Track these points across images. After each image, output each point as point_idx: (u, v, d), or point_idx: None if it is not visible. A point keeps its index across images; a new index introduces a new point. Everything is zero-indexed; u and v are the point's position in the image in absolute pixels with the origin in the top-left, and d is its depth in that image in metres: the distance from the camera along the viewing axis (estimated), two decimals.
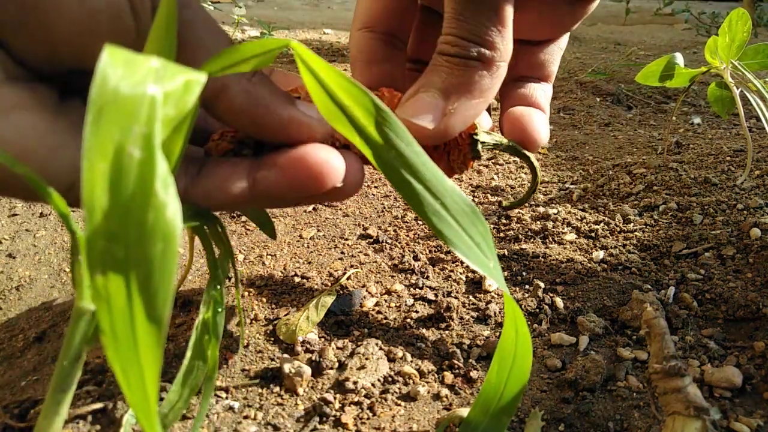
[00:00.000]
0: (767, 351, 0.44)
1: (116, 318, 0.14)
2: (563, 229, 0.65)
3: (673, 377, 0.33)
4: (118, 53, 0.15)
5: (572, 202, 0.75)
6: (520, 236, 0.65)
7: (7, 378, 0.46)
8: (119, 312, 0.14)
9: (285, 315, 0.52)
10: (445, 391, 0.43)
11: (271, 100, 0.26)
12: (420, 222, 0.70)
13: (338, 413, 0.41)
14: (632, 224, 0.66)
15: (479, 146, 0.32)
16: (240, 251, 0.65)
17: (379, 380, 0.44)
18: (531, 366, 0.29)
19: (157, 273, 0.14)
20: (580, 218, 0.67)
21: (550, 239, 0.64)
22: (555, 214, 0.68)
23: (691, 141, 0.97)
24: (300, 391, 0.43)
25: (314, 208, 0.76)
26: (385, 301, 0.54)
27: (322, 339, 0.49)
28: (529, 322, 0.52)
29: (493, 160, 0.93)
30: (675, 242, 0.60)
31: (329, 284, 0.57)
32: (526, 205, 0.74)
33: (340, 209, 0.76)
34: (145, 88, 0.15)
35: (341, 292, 0.55)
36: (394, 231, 0.69)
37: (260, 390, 0.44)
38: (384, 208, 0.76)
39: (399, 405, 0.42)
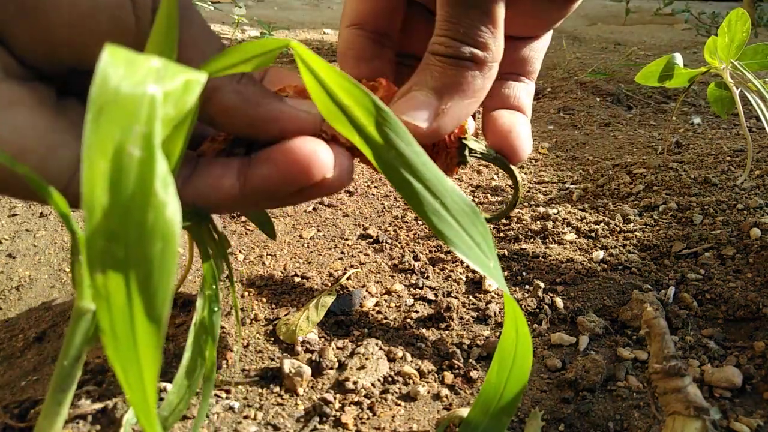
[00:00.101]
0: (767, 351, 0.44)
1: (116, 317, 0.14)
2: (563, 229, 0.65)
3: (673, 377, 0.33)
4: (118, 53, 0.15)
5: (572, 202, 0.75)
6: (520, 236, 0.65)
7: (7, 378, 0.46)
8: (119, 311, 0.14)
9: (285, 315, 0.52)
10: (445, 391, 0.43)
11: (262, 98, 0.27)
12: (420, 222, 0.70)
13: (338, 413, 0.41)
14: (632, 224, 0.66)
15: (466, 152, 0.33)
16: (240, 251, 0.65)
17: (379, 380, 0.44)
18: (531, 366, 0.29)
19: (157, 272, 0.14)
20: (580, 218, 0.67)
21: (550, 239, 0.64)
22: (555, 214, 0.68)
23: (691, 141, 0.97)
24: (300, 391, 0.43)
25: (314, 208, 0.76)
26: (385, 301, 0.54)
27: (322, 339, 0.49)
28: (529, 322, 0.52)
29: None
30: (675, 242, 0.60)
31: (329, 284, 0.57)
32: (526, 205, 0.74)
33: (340, 209, 0.76)
34: (145, 87, 0.15)
35: (341, 292, 0.55)
36: (394, 231, 0.69)
37: (260, 390, 0.44)
38: (384, 208, 0.76)
39: (399, 405, 0.42)
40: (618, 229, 0.65)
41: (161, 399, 0.41)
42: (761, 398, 0.41)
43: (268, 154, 0.27)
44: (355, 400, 0.42)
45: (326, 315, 0.51)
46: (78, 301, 0.24)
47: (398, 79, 0.35)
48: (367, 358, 0.45)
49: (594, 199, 0.75)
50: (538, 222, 0.67)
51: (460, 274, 0.58)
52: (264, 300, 0.55)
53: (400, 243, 0.66)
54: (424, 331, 0.50)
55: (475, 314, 0.52)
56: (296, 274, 0.59)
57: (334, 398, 0.42)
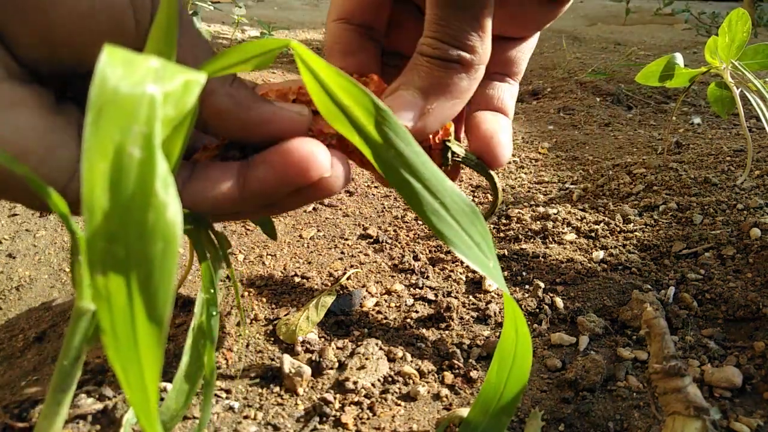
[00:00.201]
0: (767, 351, 0.44)
1: (117, 317, 0.14)
2: (563, 229, 0.65)
3: (673, 377, 0.33)
4: (117, 53, 0.15)
5: (572, 202, 0.75)
6: (520, 236, 0.65)
7: (7, 378, 0.46)
8: (120, 311, 0.14)
9: (285, 315, 0.52)
10: (445, 391, 0.43)
11: (253, 101, 0.28)
12: (420, 222, 0.70)
13: (338, 413, 0.41)
14: (632, 224, 0.66)
15: (449, 154, 0.33)
16: (240, 251, 0.65)
17: (379, 380, 0.44)
18: (531, 366, 0.29)
19: (158, 273, 0.14)
20: (580, 218, 0.67)
21: (550, 239, 0.64)
22: (555, 214, 0.68)
23: (691, 141, 0.97)
24: (300, 391, 0.43)
25: (314, 208, 0.76)
26: (385, 301, 0.54)
27: (322, 339, 0.49)
28: (529, 322, 0.52)
29: None
30: (675, 242, 0.60)
31: (329, 284, 0.57)
32: (526, 205, 0.74)
33: (340, 209, 0.76)
34: (144, 88, 0.15)
35: (341, 292, 0.55)
36: (394, 231, 0.69)
37: (260, 390, 0.44)
38: (384, 208, 0.76)
39: (399, 405, 0.42)
40: (618, 229, 0.65)
41: (161, 399, 0.41)
42: (761, 398, 0.41)
43: (265, 156, 0.28)
44: (355, 400, 0.42)
45: (326, 315, 0.51)
46: (78, 301, 0.24)
47: (384, 74, 0.35)
48: (367, 358, 0.45)
49: (594, 199, 0.75)
50: (538, 222, 0.67)
51: (460, 274, 0.58)
52: (264, 300, 0.55)
53: (400, 243, 0.66)
54: (424, 331, 0.50)
55: (475, 314, 0.52)
56: (296, 274, 0.59)
57: (334, 398, 0.42)
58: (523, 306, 0.53)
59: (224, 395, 0.43)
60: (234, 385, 0.44)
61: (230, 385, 0.44)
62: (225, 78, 0.27)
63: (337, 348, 0.48)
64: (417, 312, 0.53)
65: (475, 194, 0.81)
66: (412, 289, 0.56)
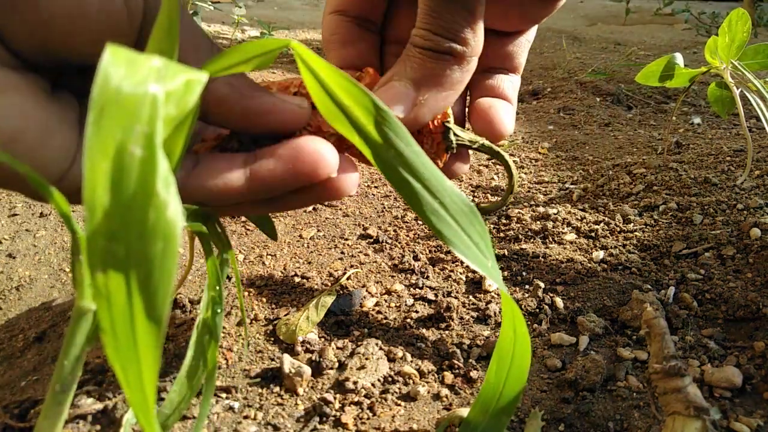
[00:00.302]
0: (767, 351, 0.45)
1: (116, 316, 0.14)
2: (563, 229, 0.65)
3: (673, 377, 0.33)
4: (120, 53, 0.15)
5: (572, 202, 0.75)
6: (520, 236, 0.65)
7: (7, 378, 0.46)
8: (119, 310, 0.14)
9: (285, 315, 0.52)
10: (445, 391, 0.43)
11: (254, 91, 0.28)
12: (420, 222, 0.70)
13: (338, 413, 0.41)
14: (632, 224, 0.66)
15: (451, 135, 0.33)
16: (240, 251, 0.65)
17: (379, 380, 0.44)
18: (530, 366, 0.29)
19: (158, 272, 0.14)
20: (580, 218, 0.67)
21: (550, 239, 0.64)
22: (555, 214, 0.68)
23: (691, 141, 0.97)
24: (300, 391, 0.43)
25: (314, 209, 0.76)
26: (385, 301, 0.54)
27: (322, 339, 0.49)
28: (529, 322, 0.52)
29: (492, 161, 0.93)
30: (675, 242, 0.61)
31: (329, 284, 0.57)
32: (526, 205, 0.74)
33: (340, 209, 0.76)
34: (146, 87, 0.15)
35: (341, 292, 0.55)
36: (394, 231, 0.69)
37: (260, 390, 0.44)
38: (384, 208, 0.76)
39: (399, 405, 0.42)
40: (618, 229, 0.65)
41: (161, 399, 0.41)
42: (761, 398, 0.41)
43: (275, 149, 0.28)
44: (355, 400, 0.42)
45: (326, 315, 0.51)
46: (78, 300, 0.24)
47: (385, 64, 0.36)
48: (367, 358, 0.45)
49: (594, 199, 0.75)
50: (538, 222, 0.67)
51: (460, 274, 0.58)
52: (264, 300, 0.55)
53: (400, 243, 0.66)
54: (424, 331, 0.50)
55: (475, 314, 0.52)
56: (296, 274, 0.59)
57: (334, 398, 0.42)
58: (523, 306, 0.53)
59: (224, 395, 0.43)
60: (234, 385, 0.44)
61: (230, 385, 0.44)
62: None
63: (337, 348, 0.48)
64: (417, 312, 0.53)
65: (475, 194, 0.81)
66: (412, 289, 0.56)
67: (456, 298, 0.54)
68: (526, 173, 0.89)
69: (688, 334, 0.48)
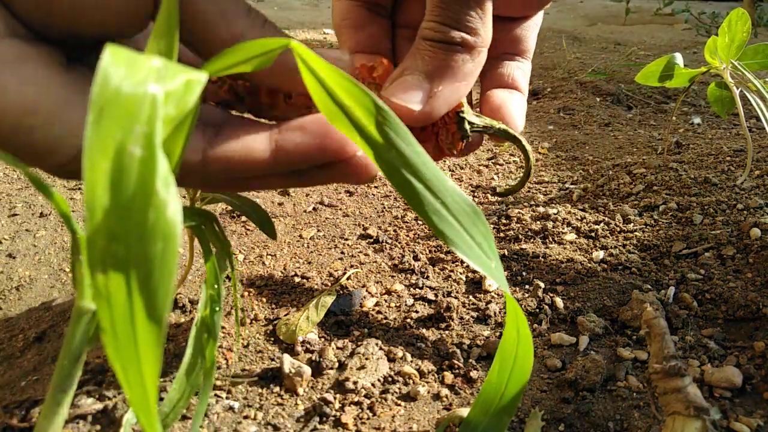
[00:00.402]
0: (767, 351, 0.45)
1: (117, 316, 0.14)
2: (563, 229, 0.65)
3: (673, 377, 0.33)
4: (120, 53, 0.15)
5: (572, 202, 0.75)
6: (520, 236, 0.65)
7: (7, 378, 0.46)
8: (120, 310, 0.14)
9: (285, 315, 0.52)
10: (445, 391, 0.43)
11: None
12: (420, 222, 0.70)
13: (338, 413, 0.41)
14: (632, 224, 0.66)
15: (466, 125, 0.33)
16: (240, 251, 0.65)
17: (379, 380, 0.44)
18: (532, 366, 0.29)
19: (158, 272, 0.14)
20: (580, 218, 0.67)
21: (550, 239, 0.64)
22: (555, 214, 0.68)
23: (691, 141, 0.97)
24: (300, 391, 0.43)
25: (314, 208, 0.76)
26: (385, 301, 0.54)
27: (322, 339, 0.49)
28: (529, 322, 0.52)
29: (493, 160, 0.93)
30: (675, 242, 0.61)
31: (329, 284, 0.57)
32: (526, 205, 0.74)
33: (340, 209, 0.76)
34: (146, 87, 0.15)
35: (341, 292, 0.55)
36: (394, 231, 0.69)
37: (260, 390, 0.44)
38: (384, 208, 0.76)
39: (399, 405, 0.42)
40: (618, 229, 0.65)
41: (161, 399, 0.41)
42: (761, 398, 0.41)
43: (302, 122, 0.27)
44: (355, 400, 0.42)
45: (326, 315, 0.51)
46: (78, 300, 0.24)
47: (398, 48, 0.35)
48: (367, 358, 0.45)
49: (594, 199, 0.75)
50: (538, 222, 0.67)
51: (460, 274, 0.58)
52: (264, 300, 0.55)
53: (400, 243, 0.66)
54: (424, 331, 0.50)
55: (475, 314, 0.52)
56: (296, 274, 0.59)
57: (334, 398, 0.42)
58: (523, 306, 0.53)
59: (224, 395, 0.43)
60: (234, 385, 0.44)
61: (230, 385, 0.44)
62: (255, 21, 0.26)
63: (337, 348, 0.48)
64: (417, 312, 0.53)
65: (475, 194, 0.81)
66: (412, 289, 0.56)
67: (456, 298, 0.54)
68: None
69: (688, 334, 0.48)
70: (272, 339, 0.49)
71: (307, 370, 0.44)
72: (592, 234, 0.64)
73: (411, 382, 0.44)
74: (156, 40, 0.19)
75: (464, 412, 0.39)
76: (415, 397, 0.43)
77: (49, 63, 0.24)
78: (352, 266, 0.61)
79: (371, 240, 0.67)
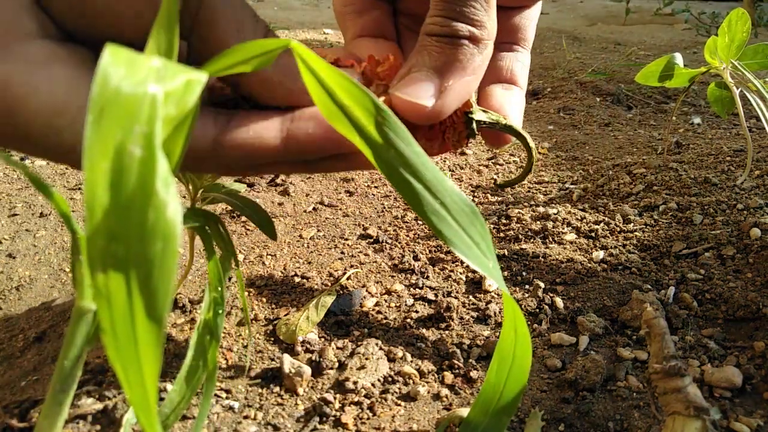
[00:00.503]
0: (767, 351, 0.45)
1: (117, 316, 0.14)
2: (563, 229, 0.65)
3: (673, 377, 0.33)
4: (120, 53, 0.15)
5: (572, 202, 0.75)
6: (520, 236, 0.65)
7: (7, 378, 0.46)
8: (120, 310, 0.14)
9: (285, 315, 0.52)
10: (445, 391, 0.43)
11: (297, 69, 0.28)
12: (420, 222, 0.70)
13: (338, 413, 0.41)
14: (632, 224, 0.66)
15: (474, 125, 0.32)
16: (240, 251, 0.65)
17: (379, 380, 0.44)
18: (531, 366, 0.29)
19: (158, 272, 0.14)
20: (580, 218, 0.67)
21: (550, 239, 0.64)
22: (555, 214, 0.68)
23: (691, 141, 0.97)
24: (300, 391, 0.43)
25: (314, 208, 0.76)
26: (385, 301, 0.54)
27: (322, 339, 0.49)
28: (529, 322, 0.52)
29: (493, 160, 0.93)
30: (675, 242, 0.61)
31: (329, 284, 0.57)
32: (526, 205, 0.74)
33: (340, 209, 0.76)
34: (146, 87, 0.15)
35: (341, 292, 0.55)
36: (394, 231, 0.69)
37: (260, 390, 0.44)
38: (384, 208, 0.76)
39: (399, 405, 0.42)
40: (618, 229, 0.65)
41: (161, 399, 0.41)
42: (761, 398, 0.41)
43: (315, 112, 0.27)
44: (355, 400, 0.42)
45: (326, 315, 0.51)
46: (78, 300, 0.24)
47: (400, 36, 0.35)
48: (367, 358, 0.45)
49: (594, 199, 0.75)
50: (538, 222, 0.67)
51: (460, 274, 0.58)
52: (264, 300, 0.55)
53: (400, 243, 0.66)
54: (424, 331, 0.50)
55: (475, 314, 0.52)
56: (296, 274, 0.59)
57: (334, 398, 0.42)
58: (523, 306, 0.53)
59: (224, 395, 0.43)
60: (234, 385, 0.44)
61: (230, 385, 0.44)
62: (258, 32, 0.26)
63: (337, 348, 0.48)
64: (417, 312, 0.53)
65: (475, 194, 0.81)
66: (412, 289, 0.56)
67: (456, 298, 0.54)
68: None
69: (688, 334, 0.48)
70: (272, 339, 0.49)
71: (307, 370, 0.44)
72: (592, 234, 0.64)
73: (411, 382, 0.44)
74: (156, 39, 0.19)
75: (464, 412, 0.39)
76: (415, 397, 0.43)
77: (79, 64, 0.24)
78: (352, 266, 0.61)
79: (371, 240, 0.67)
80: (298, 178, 0.85)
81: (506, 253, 0.62)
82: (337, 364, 0.46)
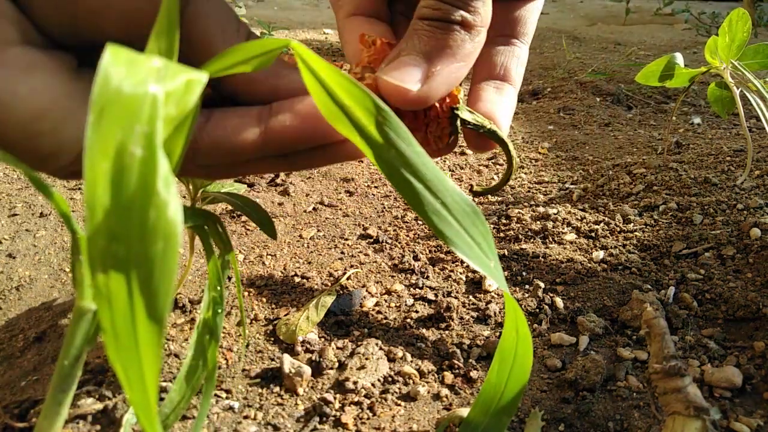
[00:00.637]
0: (767, 351, 0.45)
1: (117, 317, 0.14)
2: (563, 229, 0.65)
3: (673, 377, 0.33)
4: (120, 53, 0.15)
5: (572, 202, 0.75)
6: (520, 236, 0.65)
7: (7, 378, 0.46)
8: (120, 311, 0.14)
9: (285, 315, 0.52)
10: (445, 391, 0.43)
11: (282, 69, 0.28)
12: (420, 222, 0.70)
13: (338, 413, 0.41)
14: (632, 224, 0.66)
15: (458, 121, 0.32)
16: (240, 251, 0.65)
17: (379, 380, 0.44)
18: (531, 366, 0.29)
19: (158, 272, 0.14)
20: (580, 218, 0.67)
21: (550, 239, 0.64)
22: (555, 214, 0.68)
23: (691, 141, 0.97)
24: (300, 391, 0.43)
25: (314, 208, 0.76)
26: (385, 301, 0.54)
27: (322, 339, 0.49)
28: (529, 322, 0.52)
29: (493, 160, 0.93)
30: (675, 242, 0.61)
31: (329, 284, 0.57)
32: (526, 205, 0.74)
33: (340, 209, 0.76)
34: (146, 87, 0.15)
35: (341, 292, 0.55)
36: (394, 231, 0.69)
37: (260, 390, 0.44)
38: (384, 208, 0.76)
39: (399, 405, 0.42)
40: (618, 229, 0.65)
41: (161, 399, 0.41)
42: (761, 398, 0.41)
43: (291, 104, 0.27)
44: (355, 400, 0.42)
45: (326, 315, 0.51)
46: (79, 300, 0.24)
47: (394, 22, 0.35)
48: (367, 358, 0.45)
49: (594, 199, 0.75)
50: (538, 222, 0.67)
51: (460, 274, 0.58)
52: (264, 300, 0.55)
53: (400, 243, 0.66)
54: (424, 331, 0.50)
55: (475, 314, 0.52)
56: (296, 274, 0.59)
57: (334, 398, 0.42)
58: (523, 306, 0.53)
59: (224, 395, 0.43)
60: (234, 385, 0.44)
61: (230, 385, 0.44)
62: (241, 38, 0.27)
63: (337, 348, 0.48)
64: (417, 312, 0.53)
65: None
66: (412, 289, 0.56)
67: (456, 298, 0.54)
68: (526, 173, 0.89)
69: (688, 334, 0.48)
70: (272, 339, 0.49)
71: (307, 370, 0.44)
72: (592, 234, 0.64)
73: (411, 382, 0.44)
74: (156, 40, 0.19)
75: (464, 412, 0.39)
76: (415, 397, 0.43)
77: (60, 70, 0.24)
78: (352, 266, 0.61)
79: (371, 240, 0.67)
80: (298, 178, 0.85)
81: (506, 253, 0.62)
82: (337, 364, 0.46)
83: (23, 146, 0.24)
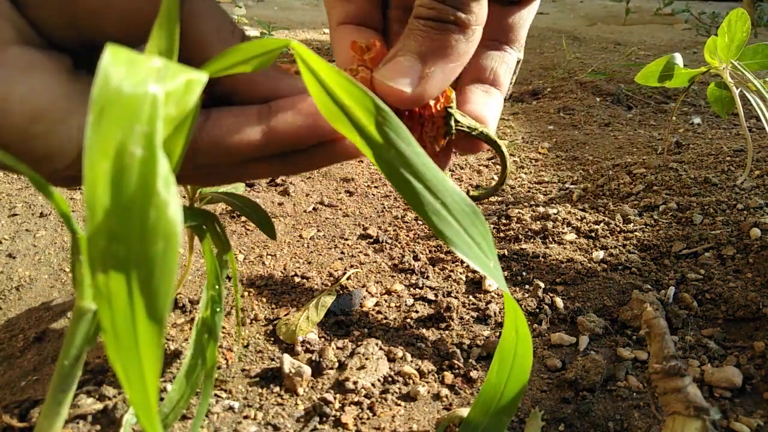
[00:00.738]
0: (767, 351, 0.45)
1: (117, 317, 0.14)
2: (563, 229, 0.65)
3: (673, 377, 0.33)
4: (120, 53, 0.15)
5: (572, 202, 0.75)
6: (520, 236, 0.65)
7: (7, 378, 0.46)
8: (120, 311, 0.14)
9: (285, 315, 0.52)
10: (445, 391, 0.43)
11: (279, 73, 0.28)
12: (420, 222, 0.70)
13: (338, 413, 0.41)
14: (632, 224, 0.66)
15: (452, 121, 0.32)
16: (240, 251, 0.65)
17: (379, 380, 0.44)
18: (531, 366, 0.29)
19: (158, 272, 0.14)
20: (580, 218, 0.67)
21: (550, 239, 0.64)
22: (555, 214, 0.68)
23: (691, 141, 0.97)
24: (300, 391, 0.43)
25: (314, 208, 0.76)
26: (385, 301, 0.54)
27: (322, 339, 0.49)
28: (529, 322, 0.52)
29: (493, 160, 0.93)
30: (675, 242, 0.61)
31: (329, 284, 0.57)
32: (526, 205, 0.74)
33: (340, 209, 0.76)
34: (146, 87, 0.15)
35: (341, 292, 0.55)
36: (394, 231, 0.69)
37: (260, 390, 0.44)
38: (384, 208, 0.76)
39: (399, 405, 0.42)
40: (618, 229, 0.65)
41: (161, 399, 0.41)
42: (761, 398, 0.41)
43: (293, 102, 0.27)
44: (355, 400, 0.42)
45: (326, 315, 0.51)
46: (79, 300, 0.24)
47: (389, 30, 0.35)
48: (367, 358, 0.45)
49: (594, 199, 0.75)
50: (538, 222, 0.67)
51: (460, 274, 0.58)
52: (264, 300, 0.55)
53: (400, 243, 0.66)
54: (424, 331, 0.50)
55: (475, 314, 0.52)
56: (296, 274, 0.59)
57: (334, 398, 0.42)
58: (523, 306, 0.53)
59: (224, 395, 0.43)
60: (234, 385, 0.44)
61: (230, 385, 0.44)
62: (236, 40, 0.27)
63: (337, 348, 0.48)
64: (417, 312, 0.53)
65: None
66: (412, 289, 0.56)
67: (456, 298, 0.54)
68: (526, 173, 0.89)
69: (688, 334, 0.48)
70: (272, 339, 0.49)
71: (307, 370, 0.44)
72: (592, 234, 0.64)
73: (411, 382, 0.44)
74: (156, 39, 0.19)
75: (464, 412, 0.39)
76: (415, 397, 0.43)
77: (58, 71, 0.24)
78: (352, 266, 0.61)
79: (371, 240, 0.67)
80: (298, 178, 0.85)
81: (506, 253, 0.62)
82: (337, 364, 0.46)
83: (18, 147, 0.24)
